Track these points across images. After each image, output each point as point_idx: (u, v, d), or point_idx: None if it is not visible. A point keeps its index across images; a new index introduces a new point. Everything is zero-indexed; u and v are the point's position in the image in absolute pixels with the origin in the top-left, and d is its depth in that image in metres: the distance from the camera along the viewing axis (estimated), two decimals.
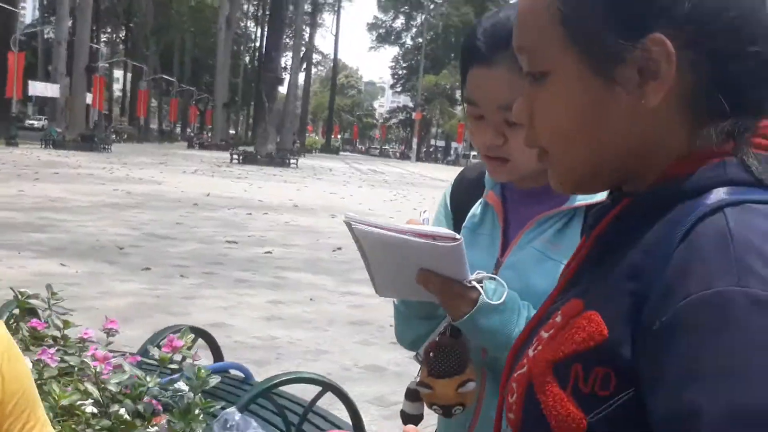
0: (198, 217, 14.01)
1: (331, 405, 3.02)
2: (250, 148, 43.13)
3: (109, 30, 74.03)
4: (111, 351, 3.00)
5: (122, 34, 75.39)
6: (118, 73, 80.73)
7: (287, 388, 3.29)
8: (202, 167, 31.01)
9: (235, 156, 38.58)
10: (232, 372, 3.51)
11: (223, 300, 7.36)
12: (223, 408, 2.87)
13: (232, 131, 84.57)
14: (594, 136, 0.76)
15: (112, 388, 2.13)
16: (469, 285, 1.18)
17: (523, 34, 0.79)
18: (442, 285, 1.17)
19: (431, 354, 1.24)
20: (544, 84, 0.77)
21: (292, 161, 38.65)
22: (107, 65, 57.64)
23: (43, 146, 35.67)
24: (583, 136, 0.76)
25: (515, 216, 1.36)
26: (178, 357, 2.41)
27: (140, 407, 2.18)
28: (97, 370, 2.09)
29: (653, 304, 0.65)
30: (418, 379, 1.27)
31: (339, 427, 2.65)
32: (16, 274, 7.51)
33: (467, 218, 1.42)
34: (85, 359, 2.14)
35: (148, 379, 2.21)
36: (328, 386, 2.88)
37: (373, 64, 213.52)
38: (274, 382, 2.84)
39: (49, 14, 58.99)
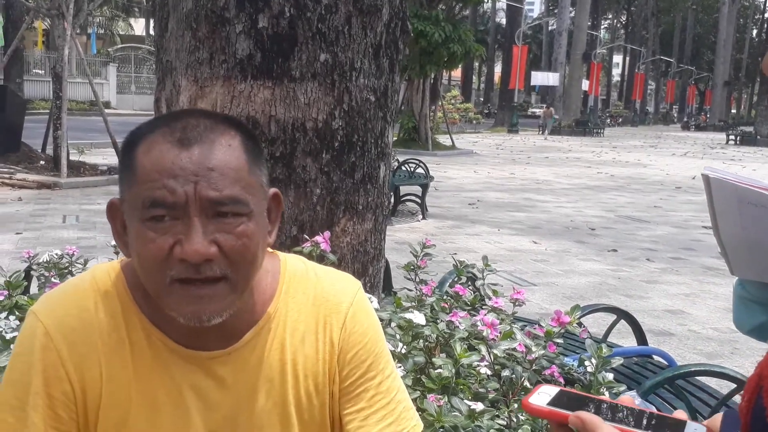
0: (677, 200, 13.53)
1: None
2: (750, 128, 39.78)
3: (610, 16, 75.00)
4: (520, 319, 3.19)
5: (623, 19, 75.66)
6: (618, 58, 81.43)
7: (708, 381, 3.10)
8: (693, 149, 29.63)
9: (732, 137, 36.12)
10: (656, 358, 3.42)
11: (686, 287, 7.06)
12: (629, 389, 2.84)
13: (733, 111, 78.87)
14: None
15: (497, 352, 2.28)
16: None
17: None
18: None
19: None
20: None
21: None
22: (605, 51, 58.50)
23: (540, 132, 37.92)
24: None
25: None
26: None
27: (526, 375, 2.29)
28: (484, 334, 2.26)
29: None
30: None
31: None
32: (491, 249, 8.26)
33: None
34: (476, 323, 2.33)
35: (534, 349, 2.30)
36: (741, 382, 2.65)
37: None
38: (680, 372, 2.72)
39: (554, 7, 62.04)
